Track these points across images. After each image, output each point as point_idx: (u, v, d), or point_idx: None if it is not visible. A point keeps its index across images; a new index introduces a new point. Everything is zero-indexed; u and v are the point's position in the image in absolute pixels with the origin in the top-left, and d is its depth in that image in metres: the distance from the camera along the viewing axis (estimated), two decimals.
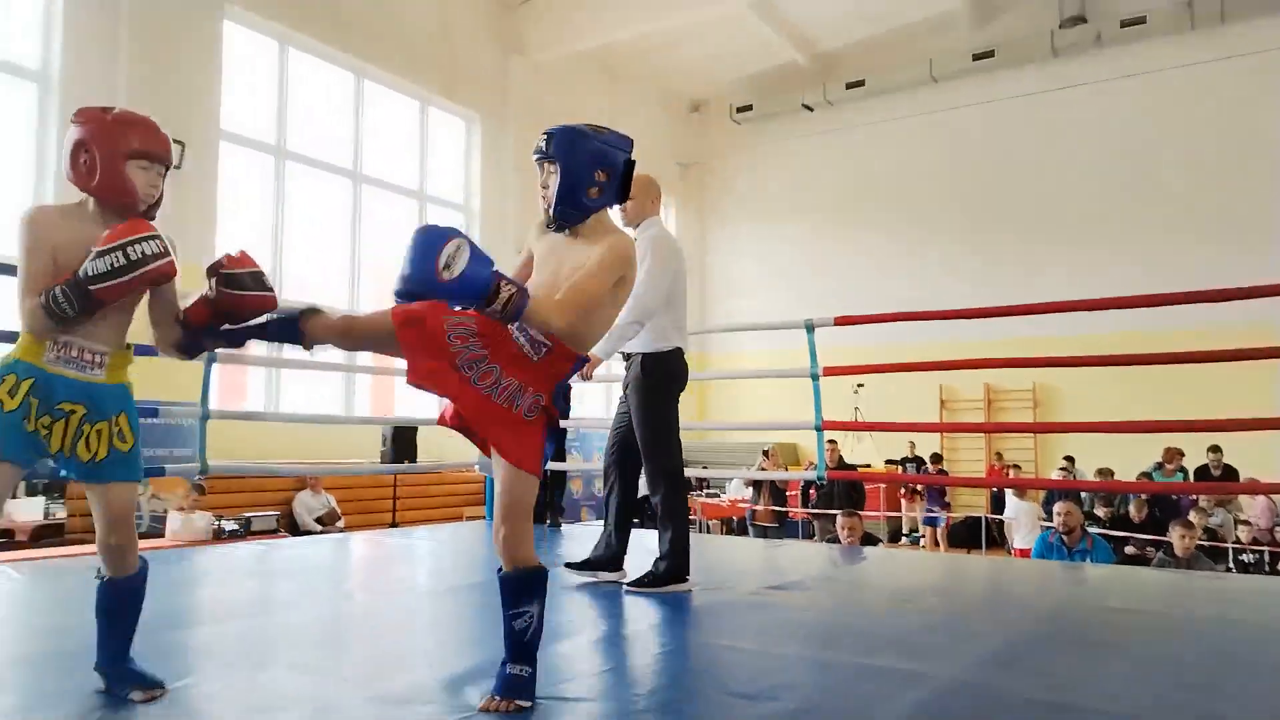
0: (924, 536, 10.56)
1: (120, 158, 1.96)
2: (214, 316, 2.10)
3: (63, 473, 2.02)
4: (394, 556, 4.62)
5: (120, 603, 2.10)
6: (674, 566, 3.32)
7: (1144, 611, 3.28)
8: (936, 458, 11.46)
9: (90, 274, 1.86)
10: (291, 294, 9.87)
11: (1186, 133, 11.68)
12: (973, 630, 2.94)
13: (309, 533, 7.94)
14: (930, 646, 2.66)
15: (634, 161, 2.08)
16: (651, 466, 3.39)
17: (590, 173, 2.00)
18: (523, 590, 1.94)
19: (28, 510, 6.82)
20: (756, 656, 2.52)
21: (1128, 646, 2.73)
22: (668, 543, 3.35)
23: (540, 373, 1.96)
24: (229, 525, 7.11)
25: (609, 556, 3.51)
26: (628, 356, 3.54)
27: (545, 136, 2.05)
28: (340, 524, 8.47)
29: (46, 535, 6.64)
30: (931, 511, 10.37)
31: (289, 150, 9.51)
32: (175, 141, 7.89)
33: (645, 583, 3.32)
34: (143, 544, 6.08)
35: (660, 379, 3.44)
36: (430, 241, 1.70)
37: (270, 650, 2.61)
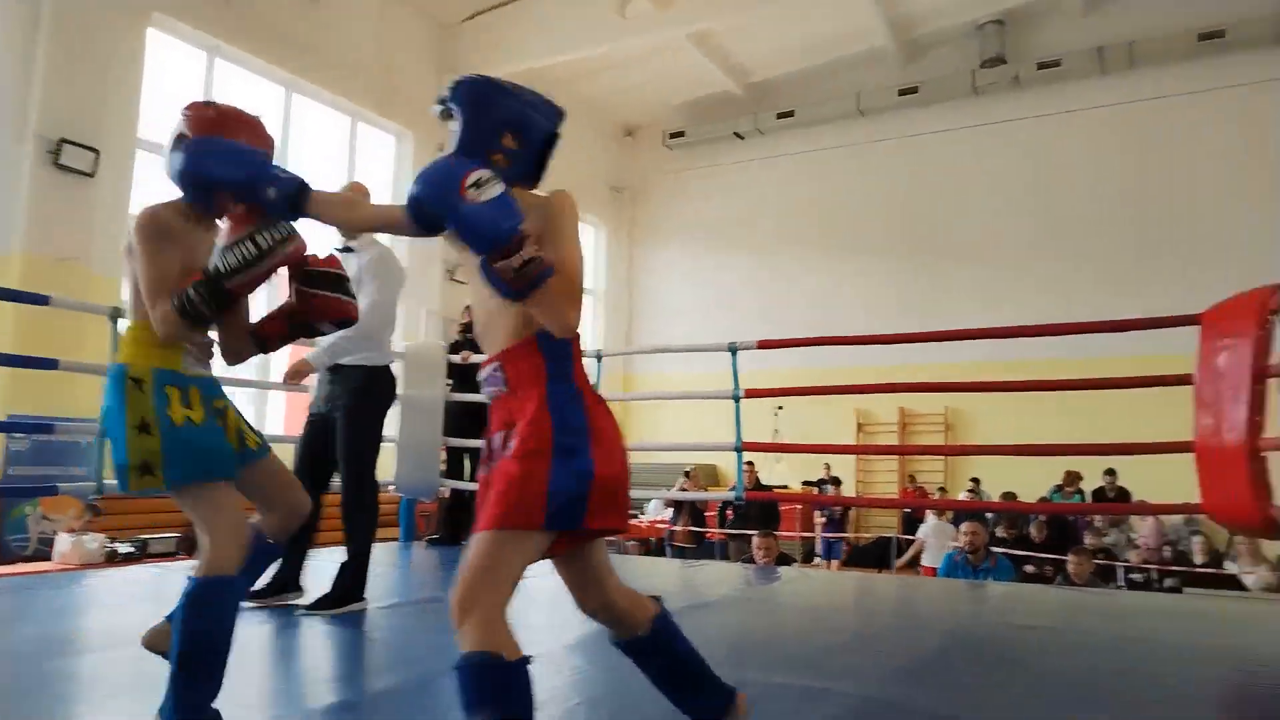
0: (824, 565, 10.60)
1: None
2: (292, 328, 2.00)
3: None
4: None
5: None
6: (352, 585, 3.34)
7: (1042, 628, 3.38)
8: (835, 480, 11.55)
9: (223, 269, 1.78)
10: None
11: (1097, 171, 12.23)
12: (881, 648, 2.99)
13: None
14: (839, 664, 2.69)
15: (557, 136, 1.67)
16: (357, 483, 3.43)
17: (495, 134, 1.58)
18: (469, 688, 1.37)
19: None
20: None
21: (1028, 663, 2.81)
22: (351, 563, 3.36)
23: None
24: (123, 548, 6.77)
25: (287, 578, 3.42)
26: (337, 369, 3.44)
27: (451, 83, 1.64)
28: None
29: None
30: (829, 536, 10.41)
31: None
32: (89, 149, 7.68)
33: (323, 604, 3.28)
34: (28, 568, 5.76)
35: (380, 396, 3.48)
36: (455, 167, 1.46)
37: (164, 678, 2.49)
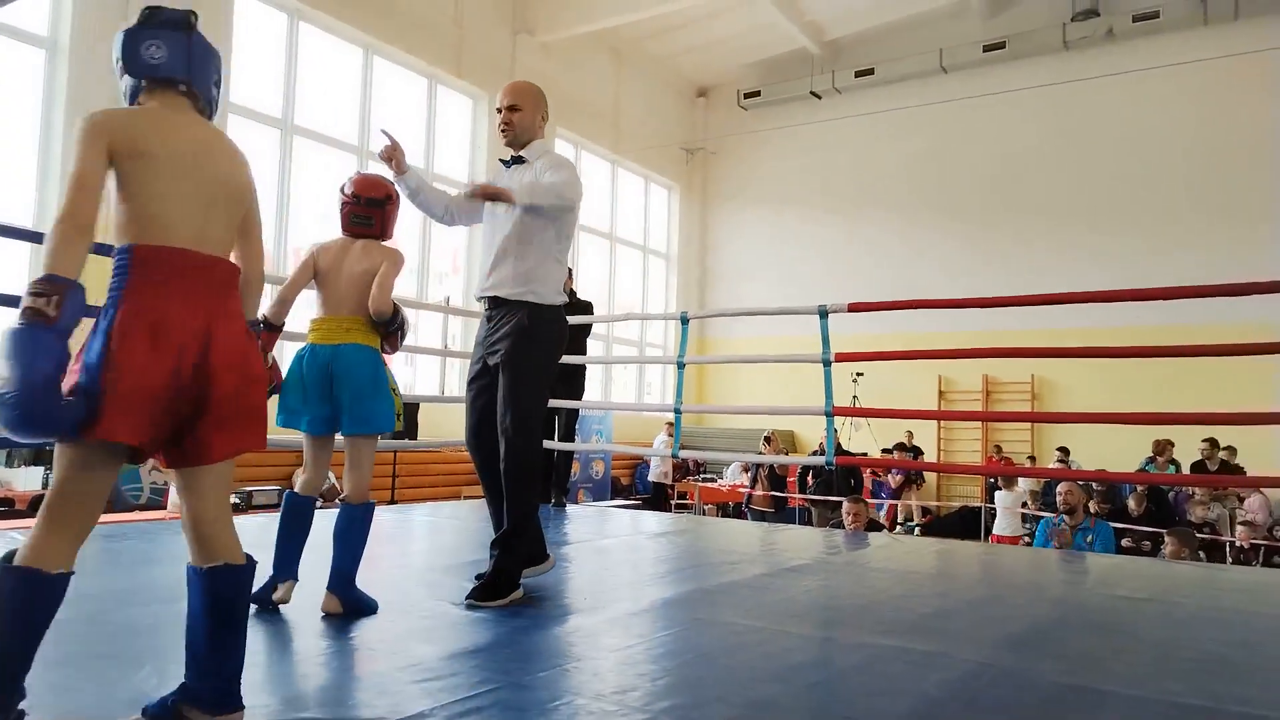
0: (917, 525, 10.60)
1: None
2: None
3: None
4: (396, 534, 4.61)
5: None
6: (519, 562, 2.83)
7: (1155, 600, 3.30)
8: (916, 450, 11.44)
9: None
10: (294, 269, 9.81)
11: (1195, 129, 11.67)
12: (987, 614, 2.96)
13: None
14: (951, 629, 2.67)
15: (137, 29, 1.78)
16: (525, 444, 2.78)
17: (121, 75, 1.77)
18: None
19: (26, 480, 6.82)
20: (777, 636, 2.53)
21: (1145, 634, 2.75)
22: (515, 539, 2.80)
23: None
24: (230, 499, 7.10)
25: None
26: (500, 303, 2.85)
27: None
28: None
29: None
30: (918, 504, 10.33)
31: (296, 125, 9.45)
32: None
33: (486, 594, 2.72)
34: (142, 515, 5.99)
35: (553, 340, 2.87)
36: None
37: (298, 620, 2.61)
